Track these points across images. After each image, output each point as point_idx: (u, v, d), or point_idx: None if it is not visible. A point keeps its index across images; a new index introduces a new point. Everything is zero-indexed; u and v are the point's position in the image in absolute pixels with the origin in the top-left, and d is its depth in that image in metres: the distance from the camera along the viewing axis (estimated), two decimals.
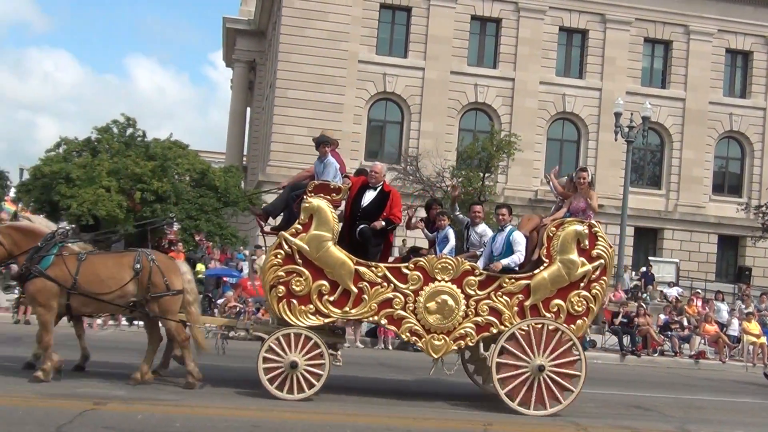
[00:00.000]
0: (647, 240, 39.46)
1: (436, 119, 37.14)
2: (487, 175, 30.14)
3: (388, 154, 37.09)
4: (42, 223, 11.91)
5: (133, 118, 36.11)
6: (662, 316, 24.37)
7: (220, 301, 21.69)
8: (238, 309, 19.87)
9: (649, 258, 35.61)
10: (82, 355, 11.92)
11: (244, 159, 49.75)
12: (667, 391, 15.42)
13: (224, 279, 23.60)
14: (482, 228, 12.01)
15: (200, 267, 24.03)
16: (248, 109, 50.39)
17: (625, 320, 23.06)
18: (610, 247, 11.49)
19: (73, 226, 12.48)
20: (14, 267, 11.73)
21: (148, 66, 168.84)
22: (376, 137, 37.94)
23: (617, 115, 29.20)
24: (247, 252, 30.40)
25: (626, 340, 22.66)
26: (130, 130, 35.84)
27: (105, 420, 8.43)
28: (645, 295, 28.19)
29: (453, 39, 37.48)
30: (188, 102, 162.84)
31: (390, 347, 20.13)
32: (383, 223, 11.38)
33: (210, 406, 9.86)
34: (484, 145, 30.76)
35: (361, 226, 11.35)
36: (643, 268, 32.74)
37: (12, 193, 43.09)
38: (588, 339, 22.61)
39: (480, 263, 11.41)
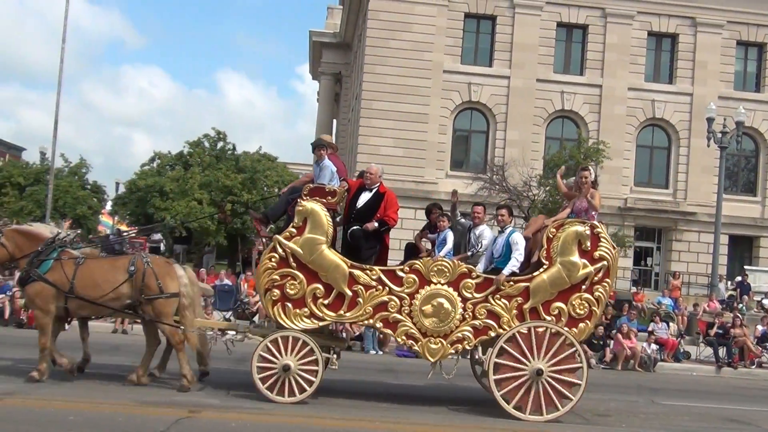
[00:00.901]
0: (742, 248, 38.20)
1: (522, 128, 36.80)
2: None
3: (474, 163, 36.94)
4: (46, 228, 12.19)
5: (224, 132, 37.06)
6: (760, 327, 23.53)
7: None
8: None
9: (745, 267, 34.47)
10: (83, 358, 12.05)
11: None
12: (765, 405, 14.93)
13: None
14: (480, 229, 11.82)
15: None
16: (335, 120, 50.92)
17: (720, 331, 22.44)
18: (614, 248, 11.23)
19: (78, 231, 12.68)
20: None
21: (238, 80, 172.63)
22: (461, 147, 37.82)
23: (710, 120, 28.47)
24: None
25: (722, 351, 21.95)
26: (220, 144, 36.74)
27: (200, 427, 8.65)
28: (741, 305, 27.28)
29: (538, 46, 37.10)
30: (276, 115, 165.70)
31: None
32: (376, 224, 11.22)
33: (298, 415, 9.95)
34: (572, 153, 30.36)
35: (352, 227, 11.28)
36: (739, 278, 31.73)
37: (109, 206, 44.60)
38: (682, 350, 22.12)
39: (480, 265, 11.29)
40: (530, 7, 36.99)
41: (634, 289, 31.89)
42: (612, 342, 20.99)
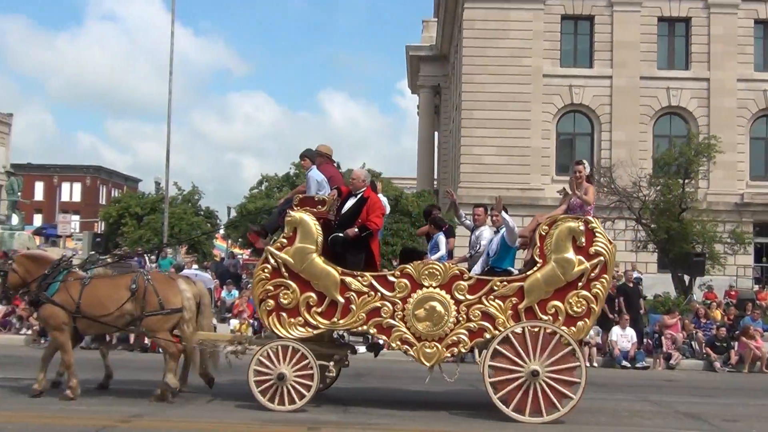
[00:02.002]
0: None
1: (627, 127, 35.95)
2: (687, 181, 28.80)
3: None
4: (54, 252, 12.45)
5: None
6: None
7: None
8: None
9: None
10: (106, 375, 12.29)
11: (435, 183, 50.33)
12: None
13: None
14: (480, 230, 11.75)
15: None
16: (436, 133, 50.95)
17: None
18: (610, 243, 10.90)
19: (92, 253, 12.94)
20: None
21: (340, 100, 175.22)
22: (566, 151, 37.18)
23: None
24: None
25: None
26: None
27: None
28: None
29: (640, 43, 36.21)
30: (379, 131, 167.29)
31: None
32: (356, 230, 11.09)
33: (412, 429, 9.96)
34: (682, 150, 29.41)
35: (334, 234, 11.14)
36: None
37: (222, 231, 45.84)
38: None
39: (477, 267, 11.17)
40: (629, 4, 36.21)
41: (756, 288, 30.66)
42: (736, 344, 20.20)
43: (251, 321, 20.46)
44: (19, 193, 33.00)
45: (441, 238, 11.50)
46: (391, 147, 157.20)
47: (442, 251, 11.34)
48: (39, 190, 76.76)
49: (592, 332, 18.06)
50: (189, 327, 11.49)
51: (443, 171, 48.24)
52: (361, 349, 18.98)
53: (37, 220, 63.86)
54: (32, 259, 12.03)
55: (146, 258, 21.47)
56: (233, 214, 42.34)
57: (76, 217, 63.95)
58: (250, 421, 9.91)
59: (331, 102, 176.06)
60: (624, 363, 19.50)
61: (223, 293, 24.06)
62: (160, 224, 34.00)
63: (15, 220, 31.89)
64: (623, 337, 19.86)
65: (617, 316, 20.19)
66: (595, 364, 19.19)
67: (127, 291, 11.37)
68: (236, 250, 42.19)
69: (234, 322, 20.64)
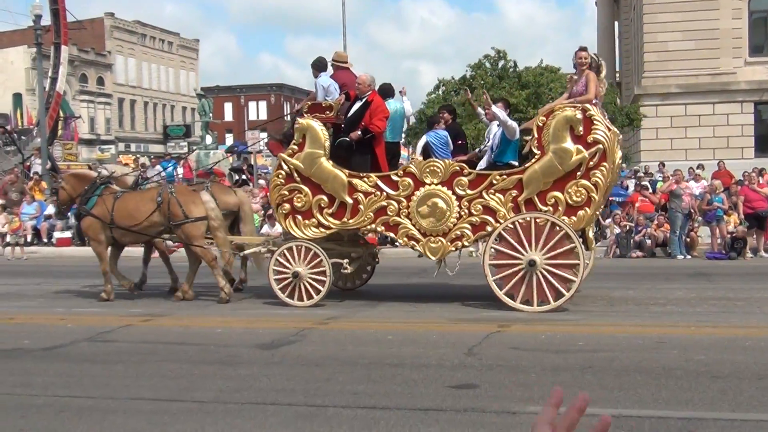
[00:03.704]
0: None
1: None
2: None
3: None
4: (92, 171, 13.77)
5: (503, 50, 36.68)
6: None
7: (607, 221, 21.54)
8: (627, 227, 19.52)
9: None
10: (141, 279, 13.57)
11: (617, 75, 48.29)
12: None
13: (610, 198, 23.23)
14: (490, 126, 11.84)
15: None
16: (616, 23, 48.62)
17: None
18: (609, 130, 10.61)
19: (113, 172, 14.01)
20: None
21: None
22: (760, 30, 34.14)
23: None
24: (628, 170, 29.74)
25: None
26: (501, 63, 36.52)
27: (511, 341, 8.86)
28: None
29: None
30: (557, 26, 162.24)
31: None
32: (359, 133, 11.33)
33: (605, 324, 9.94)
34: None
35: (340, 138, 11.48)
36: None
37: (402, 138, 46.33)
38: None
39: (483, 162, 11.28)
40: None
41: None
42: None
43: None
44: (210, 114, 34.67)
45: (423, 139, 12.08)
46: (570, 41, 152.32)
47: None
48: (228, 111, 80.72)
49: None
50: (220, 233, 12.33)
51: (626, 62, 46.01)
52: None
53: (229, 138, 67.08)
54: (77, 177, 13.45)
55: None
56: (412, 121, 42.65)
57: (264, 135, 66.65)
58: (443, 320, 10.15)
59: (505, 0, 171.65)
60: None
61: None
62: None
63: (209, 139, 33.71)
64: None
65: None
66: None
67: (154, 203, 12.32)
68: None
69: None
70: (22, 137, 39.72)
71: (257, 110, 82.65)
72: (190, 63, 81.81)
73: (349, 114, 11.69)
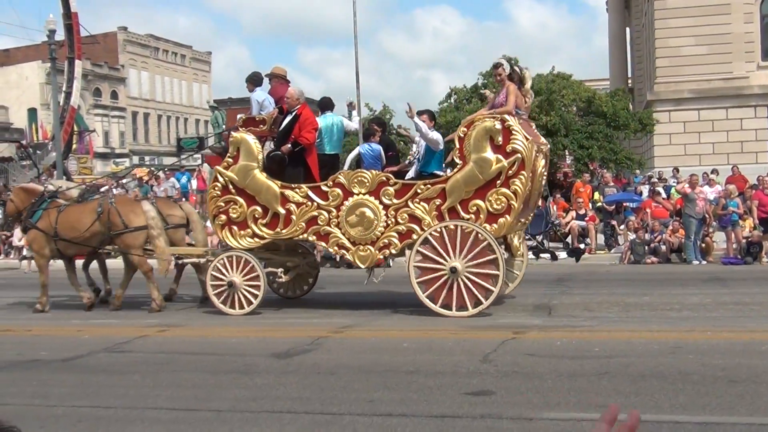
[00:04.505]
0: None
1: None
2: None
3: None
4: (40, 185, 14.02)
5: (515, 58, 36.71)
6: None
7: (621, 227, 21.48)
8: (642, 233, 19.46)
9: None
10: (105, 290, 13.91)
11: (629, 81, 48.18)
12: None
13: (624, 204, 23.21)
14: (419, 137, 11.96)
15: (597, 196, 23.94)
16: (627, 29, 48.56)
17: None
18: (527, 139, 10.84)
19: (59, 187, 14.30)
20: None
21: (526, 4, 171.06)
22: None
23: None
24: (642, 175, 29.65)
25: None
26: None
27: (526, 348, 8.83)
28: None
29: None
30: (569, 32, 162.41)
31: None
32: (289, 146, 11.72)
33: (621, 330, 9.94)
34: None
35: (271, 151, 11.91)
36: None
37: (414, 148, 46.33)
38: None
39: (411, 172, 11.62)
40: None
41: None
42: None
43: None
44: (223, 126, 34.75)
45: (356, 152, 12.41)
46: (582, 48, 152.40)
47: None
48: None
49: None
50: (159, 242, 12.59)
51: (638, 68, 45.91)
52: (563, 255, 19.03)
53: None
54: (25, 190, 13.71)
55: None
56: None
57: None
58: (458, 328, 10.15)
59: (517, 7, 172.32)
60: None
61: None
62: (355, 145, 34.81)
63: None
64: None
65: None
66: None
67: (94, 214, 12.60)
68: None
69: None
70: (38, 152, 40.00)
71: None
72: (203, 75, 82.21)
73: (281, 128, 12.10)
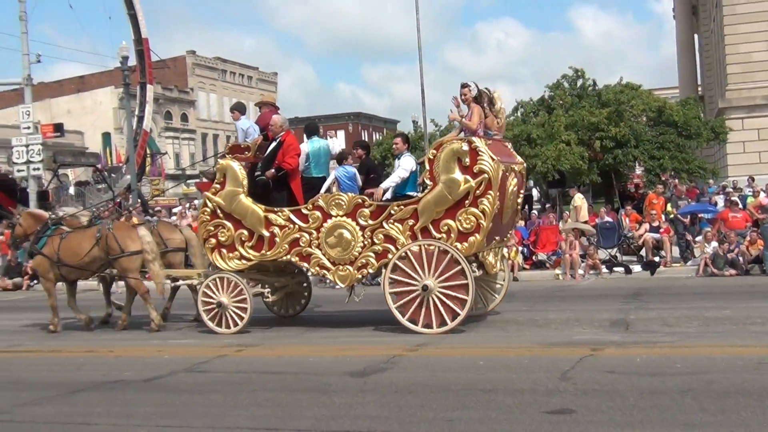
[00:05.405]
0: None
1: None
2: None
3: None
4: (46, 212, 14.68)
5: (581, 69, 36.30)
6: None
7: (698, 238, 21.01)
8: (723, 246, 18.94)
9: None
10: (107, 313, 14.59)
11: (699, 89, 47.28)
12: None
13: (699, 215, 22.70)
14: (401, 158, 12.25)
15: (669, 207, 23.47)
16: (695, 35, 47.75)
17: None
18: (493, 160, 11.12)
19: (66, 214, 14.78)
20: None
21: (591, 14, 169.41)
22: None
23: None
24: (716, 185, 29.03)
25: None
26: (580, 82, 36.16)
27: (605, 364, 8.74)
28: None
29: None
30: (635, 41, 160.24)
31: None
32: (273, 171, 12.25)
33: (702, 345, 9.73)
34: None
35: (258, 177, 12.35)
36: None
37: None
38: None
39: (388, 194, 11.91)
40: None
41: None
42: None
43: (520, 248, 20.60)
44: None
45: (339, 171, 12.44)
46: (650, 56, 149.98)
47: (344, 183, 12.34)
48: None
49: None
50: (154, 266, 13.22)
51: (707, 75, 45.01)
52: (637, 268, 18.72)
53: None
54: (32, 216, 14.49)
55: None
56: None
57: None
58: (534, 345, 10.08)
59: (581, 17, 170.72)
60: None
61: None
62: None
63: None
64: None
65: None
66: None
67: (93, 239, 13.24)
68: None
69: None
70: (112, 175, 41.06)
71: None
72: (270, 96, 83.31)
73: (266, 154, 12.62)
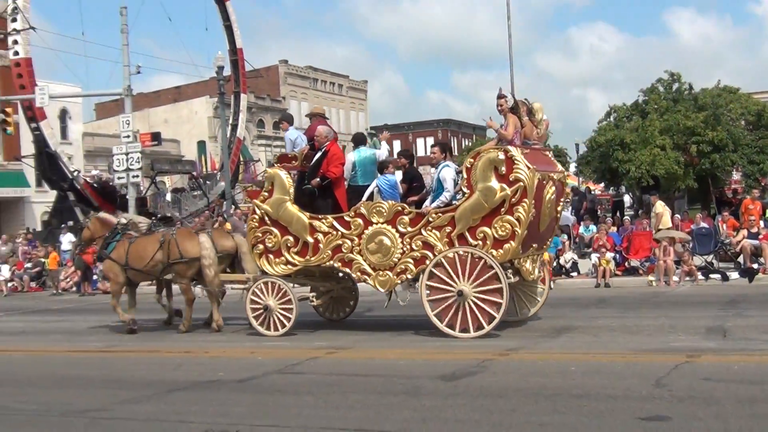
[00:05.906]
0: None
1: None
2: None
3: None
4: (116, 217, 15.14)
5: (677, 73, 35.63)
6: None
7: None
8: None
9: None
10: (169, 314, 15.07)
11: None
12: None
13: None
14: (438, 167, 12.28)
15: None
16: None
17: None
18: (528, 168, 11.30)
19: (130, 220, 15.41)
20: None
21: (687, 17, 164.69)
22: None
23: None
24: None
25: None
26: (675, 86, 35.41)
27: (701, 372, 8.59)
28: None
29: None
30: (734, 44, 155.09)
31: None
32: (318, 180, 12.66)
33: None
34: None
35: (305, 185, 12.83)
36: None
37: (572, 167, 45.60)
38: None
39: (428, 201, 12.09)
40: None
41: None
42: None
43: (613, 254, 20.25)
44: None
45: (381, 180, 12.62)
46: (749, 59, 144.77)
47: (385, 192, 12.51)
48: (397, 148, 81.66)
49: None
50: (210, 271, 13.76)
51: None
52: (734, 275, 18.21)
53: (398, 174, 68.14)
54: (100, 221, 14.97)
55: None
56: (582, 149, 41.93)
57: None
58: (627, 351, 9.92)
59: (677, 21, 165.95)
60: None
61: (581, 229, 24.02)
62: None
63: None
64: None
65: None
66: None
67: (158, 244, 13.87)
68: (590, 186, 41.84)
69: (594, 257, 20.54)
70: (207, 182, 42.07)
71: (425, 146, 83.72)
72: (360, 103, 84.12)
73: (311, 163, 13.06)
